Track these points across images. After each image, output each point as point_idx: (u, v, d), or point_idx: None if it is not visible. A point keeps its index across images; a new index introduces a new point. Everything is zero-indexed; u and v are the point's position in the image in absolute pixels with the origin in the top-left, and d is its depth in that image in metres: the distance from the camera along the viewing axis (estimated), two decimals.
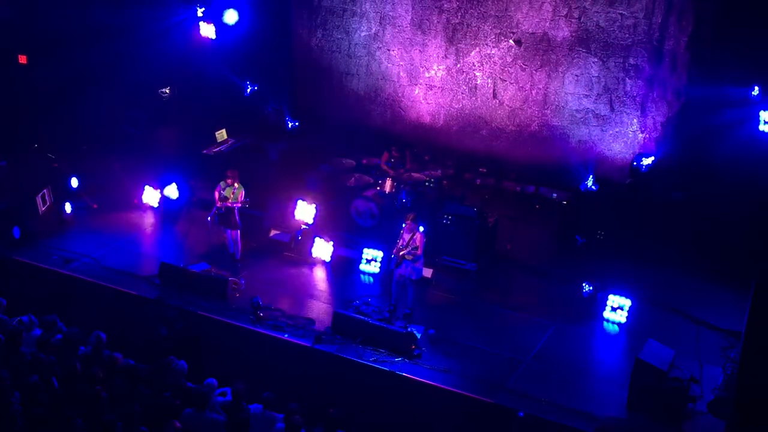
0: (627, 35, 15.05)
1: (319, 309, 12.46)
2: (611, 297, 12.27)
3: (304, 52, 18.11)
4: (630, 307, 12.19)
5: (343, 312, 11.98)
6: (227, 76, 17.29)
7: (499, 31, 16.05)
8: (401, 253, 11.89)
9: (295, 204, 14.22)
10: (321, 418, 9.39)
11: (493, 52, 16.21)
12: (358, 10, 17.27)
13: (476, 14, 16.15)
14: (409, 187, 15.09)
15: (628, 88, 15.31)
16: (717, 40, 14.28)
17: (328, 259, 13.72)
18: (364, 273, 13.51)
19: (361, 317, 11.93)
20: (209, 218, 13.40)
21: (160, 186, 15.27)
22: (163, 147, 16.59)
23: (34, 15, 16.23)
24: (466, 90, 16.68)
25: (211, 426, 9.22)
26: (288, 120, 17.64)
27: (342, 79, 17.84)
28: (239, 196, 13.30)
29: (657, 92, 15.14)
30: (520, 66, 16.07)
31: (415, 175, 15.53)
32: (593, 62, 15.44)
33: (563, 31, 15.52)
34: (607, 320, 12.28)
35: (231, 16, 16.59)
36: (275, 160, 16.93)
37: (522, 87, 16.15)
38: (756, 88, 13.57)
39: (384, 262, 13.18)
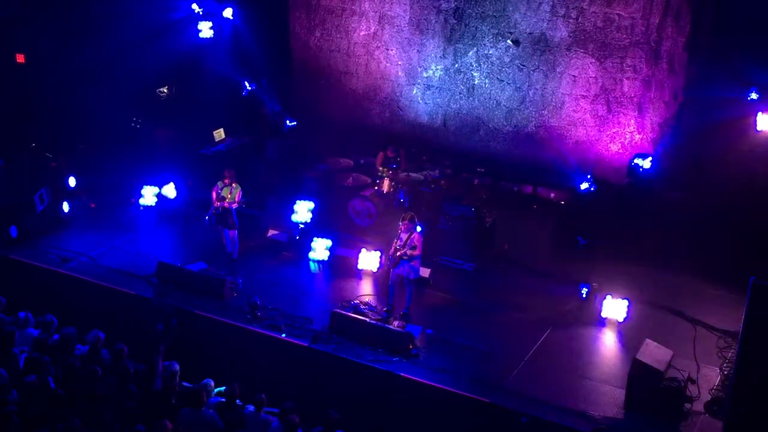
0: (624, 36, 15.07)
1: (317, 308, 12.45)
2: (609, 297, 12.27)
3: (302, 51, 18.11)
4: (627, 308, 12.19)
5: (341, 311, 11.98)
6: (225, 76, 17.29)
7: (497, 31, 16.06)
8: (398, 253, 11.90)
9: (293, 203, 14.23)
10: (319, 418, 9.39)
11: (490, 52, 16.23)
12: (357, 10, 17.28)
13: (474, 14, 16.16)
14: (406, 186, 15.10)
15: (626, 89, 15.33)
16: (714, 40, 14.31)
17: (325, 258, 13.73)
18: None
19: (359, 317, 11.95)
20: (207, 218, 13.40)
21: (158, 185, 15.27)
22: (161, 146, 16.58)
23: (32, 14, 16.21)
24: (464, 90, 16.69)
25: (207, 425, 9.22)
26: (286, 119, 17.64)
27: (341, 79, 17.84)
28: (236, 195, 13.30)
29: (654, 93, 15.16)
30: (518, 66, 16.09)
31: (413, 175, 15.54)
32: (591, 63, 15.46)
33: (561, 32, 15.54)
34: (604, 320, 12.28)
35: (228, 13, 16.69)
36: (273, 159, 16.93)
37: (519, 87, 16.16)
38: (753, 91, 13.58)
39: (381, 261, 13.18)
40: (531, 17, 15.69)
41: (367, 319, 11.90)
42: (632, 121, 15.41)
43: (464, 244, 13.69)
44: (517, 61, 16.07)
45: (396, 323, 11.96)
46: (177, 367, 10.05)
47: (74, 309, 12.05)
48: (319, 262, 13.71)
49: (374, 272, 13.38)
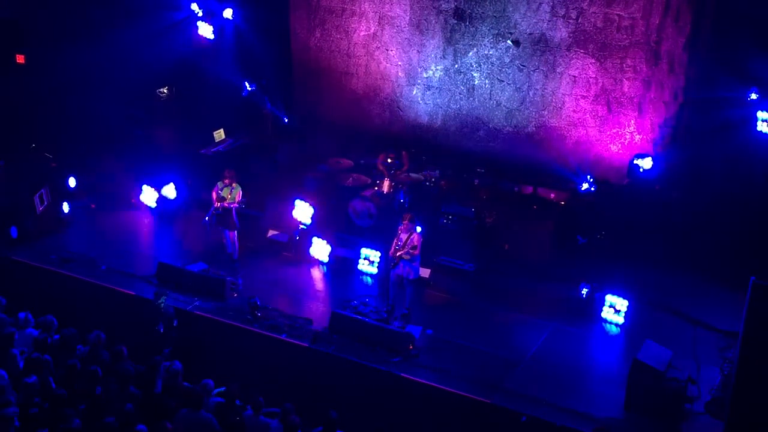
0: (624, 36, 15.07)
1: (317, 309, 12.46)
2: (609, 297, 12.27)
3: (302, 51, 18.11)
4: (627, 308, 12.20)
5: (341, 312, 11.99)
6: (225, 76, 17.29)
7: (497, 31, 16.06)
8: (398, 254, 11.90)
9: (293, 204, 14.23)
10: (319, 418, 9.39)
11: (490, 52, 16.23)
12: (357, 10, 17.28)
13: (474, 15, 16.15)
14: (406, 187, 15.10)
15: (626, 89, 15.33)
16: (714, 41, 14.31)
17: (325, 259, 13.72)
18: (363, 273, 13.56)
19: (359, 317, 11.95)
20: (207, 218, 13.40)
21: (158, 186, 15.26)
22: (161, 147, 16.58)
23: (32, 14, 16.21)
24: (464, 90, 16.69)
25: (206, 426, 9.21)
26: (286, 120, 17.64)
27: (341, 79, 17.84)
28: (236, 196, 13.30)
29: (654, 93, 15.16)
30: (518, 67, 16.09)
31: (413, 175, 15.55)
32: (591, 63, 15.46)
33: (561, 32, 15.54)
34: (605, 321, 12.29)
35: (228, 14, 16.71)
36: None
37: (519, 88, 16.16)
38: (753, 91, 13.59)
39: (382, 262, 13.19)
40: (531, 18, 15.70)
41: (367, 320, 11.90)
42: (632, 121, 15.41)
43: (464, 245, 13.69)
44: (517, 62, 16.07)
45: (396, 324, 11.96)
46: (179, 366, 10.06)
47: (74, 309, 12.05)
48: (321, 263, 13.73)
49: (374, 273, 13.39)
